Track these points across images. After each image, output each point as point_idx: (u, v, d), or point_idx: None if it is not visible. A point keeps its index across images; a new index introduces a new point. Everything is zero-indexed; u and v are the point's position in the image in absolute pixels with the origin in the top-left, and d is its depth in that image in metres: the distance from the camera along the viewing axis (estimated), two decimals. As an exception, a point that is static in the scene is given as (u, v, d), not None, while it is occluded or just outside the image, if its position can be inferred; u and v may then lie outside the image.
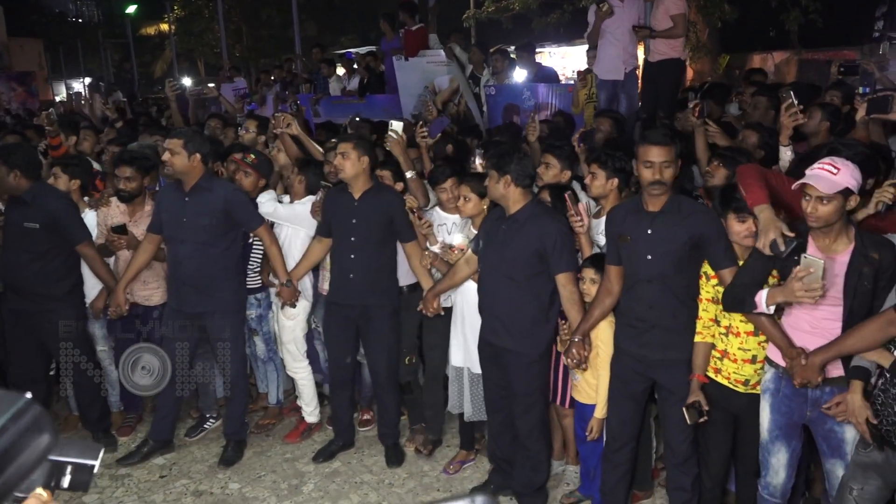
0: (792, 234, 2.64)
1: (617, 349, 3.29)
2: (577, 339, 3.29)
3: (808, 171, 2.65)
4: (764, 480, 3.04)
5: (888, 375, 2.49)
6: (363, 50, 12.68)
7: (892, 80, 5.03)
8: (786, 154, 3.51)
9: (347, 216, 3.92)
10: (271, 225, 4.28)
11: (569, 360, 3.32)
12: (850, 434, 2.78)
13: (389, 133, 4.15)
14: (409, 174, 4.15)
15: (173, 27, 19.82)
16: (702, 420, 3.02)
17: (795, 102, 3.52)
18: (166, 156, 3.87)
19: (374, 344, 4.07)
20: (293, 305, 4.24)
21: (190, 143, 3.86)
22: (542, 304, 3.39)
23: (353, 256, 3.93)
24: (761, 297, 2.75)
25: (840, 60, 6.11)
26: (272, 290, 4.40)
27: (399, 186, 4.16)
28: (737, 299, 2.84)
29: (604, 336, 3.36)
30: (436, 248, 3.89)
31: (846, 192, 2.57)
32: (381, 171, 4.16)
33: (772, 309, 2.77)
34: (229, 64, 13.32)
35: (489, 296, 3.50)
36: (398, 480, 4.03)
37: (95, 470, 0.85)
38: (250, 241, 4.29)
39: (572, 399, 3.67)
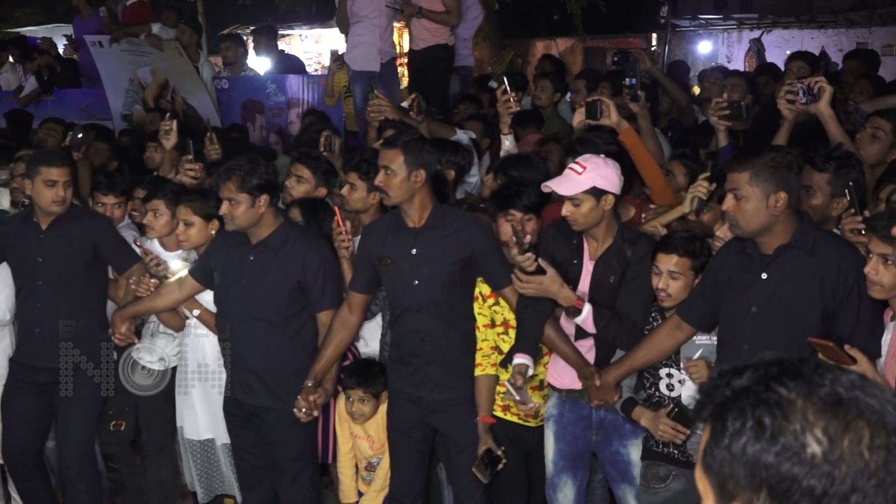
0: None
1: (392, 391, 2.93)
2: (309, 385, 2.78)
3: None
4: None
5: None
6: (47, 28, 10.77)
7: (661, 72, 5.00)
8: (505, 143, 3.46)
9: (31, 253, 3.20)
10: None
11: (298, 411, 2.76)
12: (635, 455, 2.72)
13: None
14: None
15: None
16: (500, 467, 2.69)
17: (509, 90, 3.48)
18: None
19: (65, 420, 3.24)
20: None
21: None
22: (306, 349, 2.92)
23: (39, 305, 3.22)
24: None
25: (614, 50, 6.12)
26: None
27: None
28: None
29: None
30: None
31: (597, 192, 2.47)
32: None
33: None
34: None
35: (236, 344, 2.95)
36: None
37: None
38: None
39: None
